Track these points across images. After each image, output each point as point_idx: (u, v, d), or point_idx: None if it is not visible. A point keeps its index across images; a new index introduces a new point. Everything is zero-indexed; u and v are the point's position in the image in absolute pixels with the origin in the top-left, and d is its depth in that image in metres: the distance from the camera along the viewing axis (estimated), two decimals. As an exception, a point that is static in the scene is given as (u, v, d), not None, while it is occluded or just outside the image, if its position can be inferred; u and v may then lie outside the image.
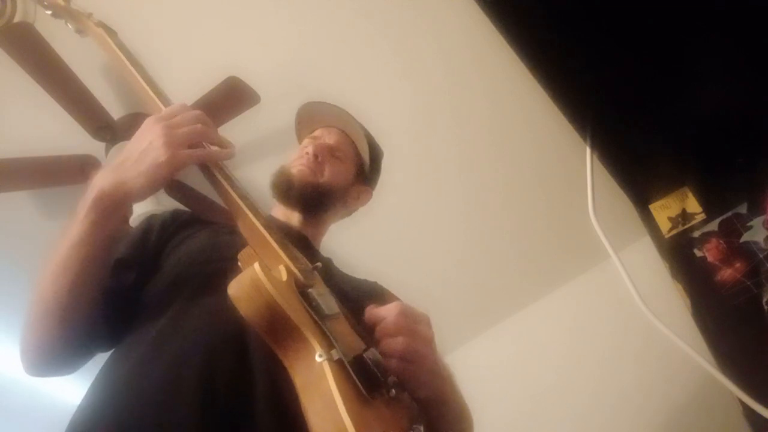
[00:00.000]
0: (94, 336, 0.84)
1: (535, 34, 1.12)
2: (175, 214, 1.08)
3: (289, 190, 1.12)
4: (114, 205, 0.80)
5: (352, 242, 2.11)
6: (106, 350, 0.88)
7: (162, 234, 1.01)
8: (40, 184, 1.96)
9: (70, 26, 1.09)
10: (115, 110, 1.86)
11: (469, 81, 2.01)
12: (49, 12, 1.07)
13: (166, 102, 0.93)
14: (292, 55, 1.91)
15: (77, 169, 1.91)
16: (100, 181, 0.79)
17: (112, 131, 1.87)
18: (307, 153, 1.14)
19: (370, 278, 1.13)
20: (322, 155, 1.15)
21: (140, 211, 1.75)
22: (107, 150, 1.90)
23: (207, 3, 1.80)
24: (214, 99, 1.83)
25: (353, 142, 1.21)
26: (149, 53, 1.83)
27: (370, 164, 1.25)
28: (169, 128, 0.82)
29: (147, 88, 0.94)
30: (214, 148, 0.87)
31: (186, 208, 1.09)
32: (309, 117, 1.25)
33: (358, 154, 1.22)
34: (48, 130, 1.91)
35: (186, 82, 1.85)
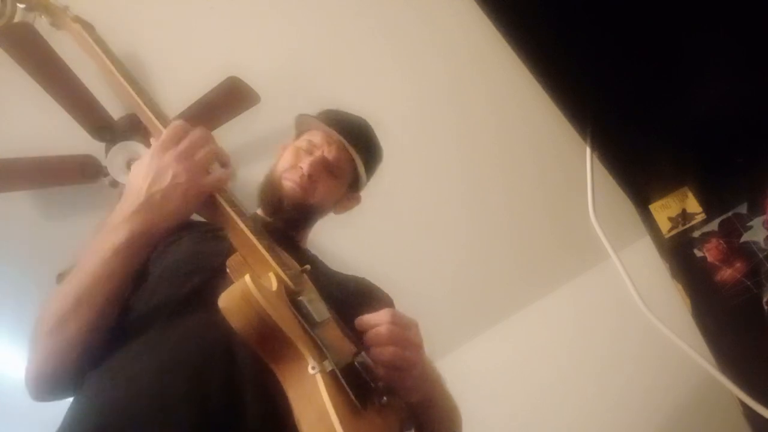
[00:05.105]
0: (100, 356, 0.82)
1: (535, 35, 1.12)
2: None
3: (278, 210, 1.08)
4: (147, 246, 0.80)
5: (350, 242, 2.11)
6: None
7: None
8: (40, 184, 1.96)
9: (44, 18, 1.04)
10: (115, 110, 1.86)
11: (469, 81, 2.01)
12: (23, 5, 1.04)
13: (144, 97, 0.90)
14: (291, 55, 1.91)
15: (77, 169, 1.91)
16: (129, 223, 0.78)
17: (112, 131, 1.87)
18: (301, 168, 1.08)
19: (360, 275, 1.11)
20: (317, 173, 1.10)
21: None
22: (107, 150, 1.90)
23: (207, 3, 1.80)
24: (213, 99, 1.82)
25: (352, 158, 1.16)
26: (149, 53, 1.84)
27: (365, 175, 1.21)
28: (185, 157, 0.80)
29: (125, 83, 0.91)
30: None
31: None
32: (312, 120, 1.20)
33: (354, 169, 1.17)
34: (48, 130, 1.91)
35: (186, 82, 1.85)
